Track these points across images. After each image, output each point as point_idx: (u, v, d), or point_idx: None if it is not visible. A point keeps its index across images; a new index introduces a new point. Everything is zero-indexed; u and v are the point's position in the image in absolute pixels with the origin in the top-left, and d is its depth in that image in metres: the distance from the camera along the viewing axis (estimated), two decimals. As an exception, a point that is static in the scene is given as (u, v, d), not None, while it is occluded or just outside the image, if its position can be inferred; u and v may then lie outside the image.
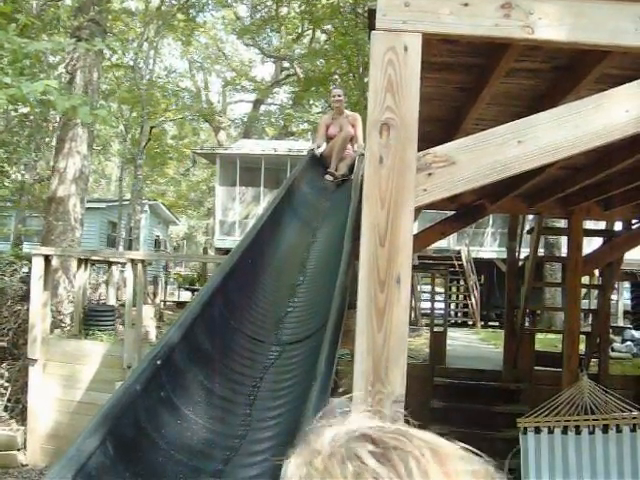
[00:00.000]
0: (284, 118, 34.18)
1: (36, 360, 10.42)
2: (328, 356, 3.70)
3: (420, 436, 0.80)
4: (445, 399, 10.28)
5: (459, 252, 23.50)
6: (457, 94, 4.92)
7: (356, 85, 21.86)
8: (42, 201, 16.75)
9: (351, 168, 9.49)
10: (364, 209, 2.83)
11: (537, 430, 7.30)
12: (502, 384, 10.57)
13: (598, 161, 6.47)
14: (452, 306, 22.65)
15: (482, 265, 23.71)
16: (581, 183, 7.35)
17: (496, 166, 2.87)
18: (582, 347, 10.10)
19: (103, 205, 26.21)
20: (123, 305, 12.13)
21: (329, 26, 24.72)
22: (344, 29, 21.79)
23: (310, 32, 29.27)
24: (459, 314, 23.50)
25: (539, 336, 12.82)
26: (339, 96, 10.13)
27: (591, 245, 12.03)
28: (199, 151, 28.84)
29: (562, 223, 13.48)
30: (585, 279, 11.29)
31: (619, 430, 7.23)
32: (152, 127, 27.16)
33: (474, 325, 21.71)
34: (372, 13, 2.93)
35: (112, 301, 13.47)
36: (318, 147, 9.91)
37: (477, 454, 0.81)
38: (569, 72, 4.12)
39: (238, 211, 24.54)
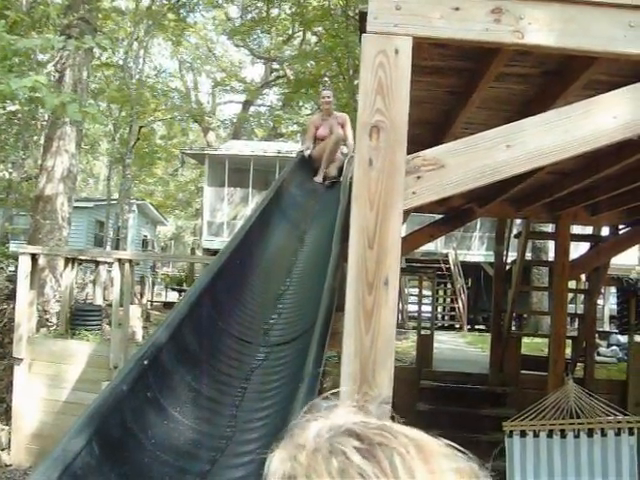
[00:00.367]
0: (273, 119, 34.18)
1: (22, 359, 10.37)
2: (316, 358, 3.70)
3: (405, 432, 0.81)
4: (432, 402, 10.29)
5: (447, 255, 23.55)
6: (447, 98, 4.93)
7: (346, 87, 21.87)
8: (29, 199, 16.67)
9: (340, 170, 9.50)
10: (353, 211, 2.83)
11: (523, 433, 7.32)
12: (488, 387, 10.60)
13: (586, 166, 6.50)
14: (439, 309, 22.68)
15: (469, 268, 23.77)
16: (569, 188, 7.38)
17: (485, 170, 2.88)
18: (568, 351, 10.14)
19: (91, 204, 26.10)
20: (110, 305, 12.10)
21: (320, 28, 24.74)
22: (335, 31, 21.81)
23: (300, 34, 29.26)
24: (446, 317, 23.54)
25: (525, 340, 12.85)
26: (328, 97, 10.14)
27: (578, 250, 12.07)
28: (188, 151, 28.79)
29: (549, 227, 13.56)
30: (572, 284, 11.34)
31: (604, 434, 7.26)
32: (141, 127, 27.06)
33: (461, 328, 21.74)
34: (363, 16, 2.94)
35: (99, 301, 13.43)
36: (307, 149, 9.91)
37: (462, 452, 0.81)
38: (558, 77, 4.14)
39: (226, 212, 24.52)
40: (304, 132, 17.33)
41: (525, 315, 17.32)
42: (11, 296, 11.49)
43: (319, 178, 9.53)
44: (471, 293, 23.82)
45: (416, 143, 3.23)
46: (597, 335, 12.72)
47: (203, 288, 4.86)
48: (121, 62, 24.19)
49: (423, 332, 12.28)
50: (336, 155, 9.73)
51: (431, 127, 5.70)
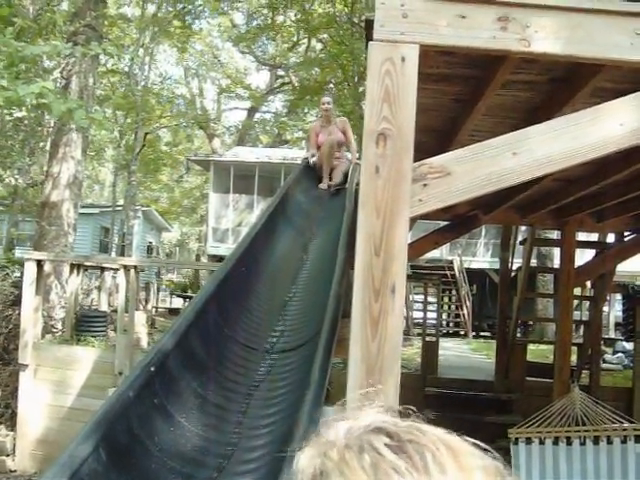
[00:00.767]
0: (278, 126, 34.21)
1: (27, 365, 10.37)
2: (322, 364, 3.70)
3: (433, 431, 0.83)
4: (437, 409, 10.16)
5: (452, 262, 23.53)
6: (453, 105, 4.93)
7: (351, 94, 21.89)
8: (35, 206, 16.69)
9: (345, 176, 9.49)
10: (360, 218, 2.84)
11: (528, 441, 7.29)
12: (494, 394, 10.58)
13: (591, 173, 6.50)
14: (444, 316, 22.65)
15: (474, 275, 23.74)
16: (574, 195, 7.38)
17: (491, 177, 2.89)
18: (574, 358, 10.12)
19: (96, 211, 26.15)
20: (115, 311, 12.10)
21: (325, 35, 24.76)
22: (340, 38, 21.82)
23: (306, 41, 29.32)
24: (451, 324, 23.51)
25: (531, 347, 12.83)
26: (328, 104, 10.14)
27: (583, 257, 12.05)
28: (193, 158, 28.82)
29: (555, 234, 13.55)
30: (577, 290, 11.32)
31: (610, 441, 7.23)
32: (146, 133, 27.13)
33: (466, 335, 21.72)
34: (370, 24, 2.95)
35: (104, 307, 13.44)
36: (312, 156, 9.92)
37: (487, 450, 0.82)
38: (565, 85, 4.14)
39: (231, 218, 24.53)
40: (308, 139, 17.38)
41: (530, 322, 17.31)
42: (16, 302, 11.50)
43: (324, 185, 9.53)
44: (476, 300, 23.78)
45: (422, 151, 3.23)
46: (603, 342, 12.70)
47: (209, 295, 4.86)
48: (127, 69, 24.26)
49: (428, 339, 12.26)
50: (335, 159, 9.71)
51: (437, 135, 5.71)
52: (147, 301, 20.45)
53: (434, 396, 10.53)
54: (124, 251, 24.06)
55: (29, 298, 10.49)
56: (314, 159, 9.87)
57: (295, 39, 29.79)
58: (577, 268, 9.38)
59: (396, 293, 2.79)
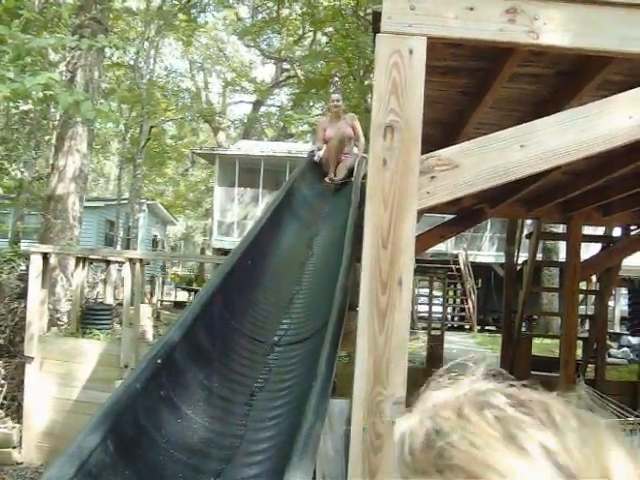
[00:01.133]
0: (284, 120, 34.16)
1: (33, 358, 10.40)
2: (328, 357, 3.70)
3: (544, 394, 0.78)
4: (442, 402, 10.26)
5: (457, 256, 23.51)
6: (460, 98, 4.92)
7: (356, 88, 21.84)
8: (41, 199, 16.71)
9: (351, 171, 9.48)
10: (367, 211, 2.84)
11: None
12: (499, 388, 10.56)
13: (598, 167, 6.48)
14: (449, 310, 22.65)
15: (480, 269, 23.71)
16: (581, 189, 7.36)
17: (499, 170, 2.88)
18: (579, 352, 10.11)
19: (101, 204, 26.17)
20: (120, 304, 12.11)
21: (330, 28, 24.70)
22: (345, 31, 21.77)
23: (311, 34, 29.25)
24: (456, 318, 23.51)
25: (536, 341, 12.82)
26: (337, 101, 10.15)
27: (589, 251, 12.03)
28: (198, 151, 28.83)
29: (560, 228, 13.53)
30: (583, 284, 11.30)
31: (615, 436, 7.22)
32: (152, 127, 27.14)
33: (471, 329, 21.71)
34: (377, 16, 2.94)
35: (109, 300, 13.46)
36: (319, 149, 9.91)
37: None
38: (572, 78, 4.13)
39: (236, 212, 24.54)
40: (314, 132, 17.32)
41: (535, 316, 17.28)
42: (22, 295, 11.52)
43: (329, 179, 9.53)
44: (481, 294, 23.77)
45: (429, 144, 3.23)
46: (608, 336, 12.68)
47: (215, 288, 4.87)
48: (132, 62, 24.25)
49: (433, 332, 12.27)
50: (343, 154, 9.71)
51: (444, 127, 5.70)
52: (152, 294, 20.48)
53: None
54: (129, 244, 24.08)
55: (35, 291, 10.51)
56: (320, 153, 9.86)
57: (300, 32, 29.73)
58: (583, 262, 9.37)
59: (403, 286, 2.80)
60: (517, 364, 10.83)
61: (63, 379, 10.37)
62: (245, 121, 36.32)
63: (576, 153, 2.90)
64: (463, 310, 23.08)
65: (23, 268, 12.67)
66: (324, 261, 6.71)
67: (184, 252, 45.04)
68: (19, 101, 10.27)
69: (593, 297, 12.72)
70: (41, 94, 7.62)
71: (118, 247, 24.20)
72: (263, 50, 32.53)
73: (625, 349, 14.81)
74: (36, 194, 18.43)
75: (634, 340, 14.43)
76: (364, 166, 8.94)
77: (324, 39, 27.91)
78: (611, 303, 16.64)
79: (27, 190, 17.92)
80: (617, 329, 18.37)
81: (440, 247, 19.57)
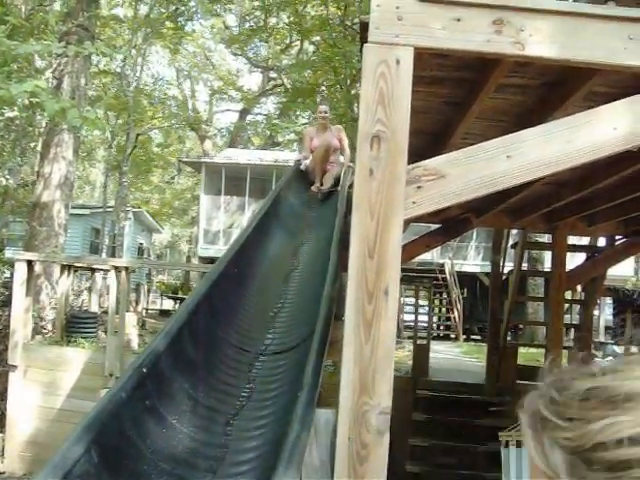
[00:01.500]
0: (270, 128, 34.18)
1: (16, 366, 10.32)
2: (314, 367, 3.69)
3: None
4: (427, 412, 10.28)
5: (443, 265, 23.58)
6: (446, 108, 4.95)
7: (343, 97, 21.90)
8: (26, 206, 16.64)
9: (337, 180, 9.50)
10: (354, 220, 2.84)
11: (519, 444, 7.30)
12: (484, 397, 10.58)
13: (583, 177, 6.52)
14: (435, 319, 22.69)
15: (465, 279, 23.78)
16: (565, 199, 7.40)
17: (485, 180, 2.89)
18: (564, 362, 10.13)
19: (87, 211, 26.08)
20: (106, 312, 12.06)
21: (317, 37, 24.79)
22: (332, 41, 21.84)
23: (298, 43, 29.33)
24: (442, 327, 23.56)
25: (521, 350, 12.86)
26: (325, 112, 10.18)
27: (574, 260, 12.09)
28: (185, 159, 28.82)
29: (546, 238, 13.58)
30: (568, 294, 11.34)
31: (600, 445, 7.24)
32: (138, 134, 27.11)
33: (457, 338, 21.76)
34: (365, 26, 2.95)
35: (95, 308, 13.38)
36: (305, 159, 9.93)
37: None
38: (558, 89, 4.16)
39: (222, 220, 24.51)
40: (301, 141, 17.30)
41: (521, 325, 17.35)
42: (6, 303, 11.46)
43: (315, 188, 9.54)
44: (467, 303, 23.83)
45: (415, 154, 3.24)
46: (593, 346, 12.73)
47: (202, 296, 4.85)
48: (119, 70, 24.22)
49: (419, 342, 12.27)
50: (329, 164, 9.73)
51: (430, 138, 5.72)
52: (138, 302, 20.40)
53: (425, 399, 10.53)
54: (115, 252, 24.01)
55: (19, 299, 10.45)
56: (307, 162, 9.88)
57: (288, 41, 29.82)
58: (568, 272, 9.41)
59: (389, 295, 2.80)
60: (503, 373, 10.85)
61: (47, 387, 10.30)
62: (232, 129, 36.35)
63: (562, 164, 2.92)
64: (449, 319, 23.14)
65: (7, 276, 12.61)
66: (310, 270, 6.71)
67: (170, 260, 44.93)
68: (4, 108, 10.22)
69: (578, 306, 12.78)
70: (27, 101, 7.60)
71: (103, 255, 24.10)
72: (250, 59, 32.58)
73: (610, 358, 14.87)
74: (21, 201, 18.35)
75: (619, 349, 14.50)
76: (350, 175, 8.97)
77: (311, 48, 28.01)
78: (596, 312, 16.72)
79: (12, 197, 17.84)
80: (602, 338, 18.46)
81: (426, 256, 19.61)
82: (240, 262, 5.96)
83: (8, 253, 15.96)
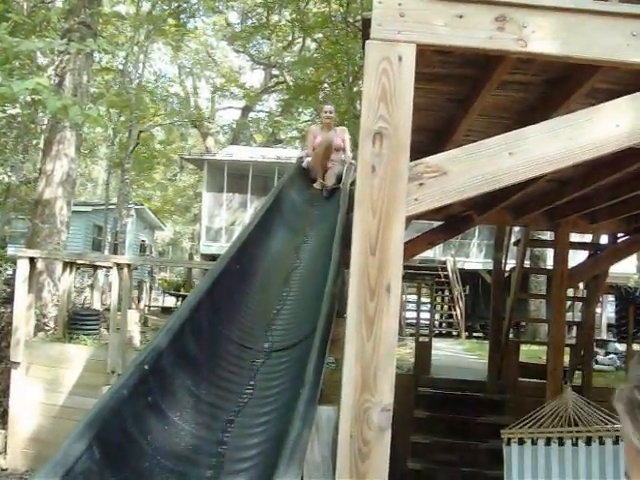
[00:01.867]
0: (272, 125, 34.19)
1: (19, 363, 10.34)
2: (316, 364, 3.70)
3: None
4: (429, 409, 10.28)
5: (445, 262, 23.58)
6: (449, 105, 4.94)
7: (345, 94, 21.89)
8: (28, 203, 16.65)
9: (339, 178, 9.52)
10: (356, 217, 2.83)
11: (521, 441, 7.30)
12: (486, 395, 10.58)
13: (585, 174, 6.51)
14: (437, 316, 22.68)
15: (467, 276, 23.78)
16: (568, 196, 7.39)
17: (487, 177, 2.89)
18: (566, 359, 10.13)
19: (89, 209, 26.11)
20: (108, 309, 12.07)
21: (320, 34, 24.77)
22: (335, 38, 21.83)
23: (300, 40, 29.32)
24: (444, 324, 23.54)
25: (523, 347, 12.85)
26: (330, 112, 10.25)
27: (576, 258, 12.08)
28: (187, 157, 28.81)
29: (548, 235, 13.57)
30: (570, 291, 11.33)
31: (602, 442, 7.23)
32: (140, 131, 27.09)
33: (459, 335, 21.75)
34: (367, 23, 2.95)
35: (97, 305, 13.40)
36: (307, 156, 9.96)
37: None
38: (560, 85, 4.15)
39: (225, 217, 24.52)
40: (303, 138, 17.31)
41: (523, 323, 17.32)
42: (9, 300, 11.47)
43: (318, 185, 9.56)
44: (469, 300, 23.82)
45: (418, 151, 3.23)
46: (595, 343, 12.72)
47: (204, 293, 4.86)
48: (121, 67, 24.22)
49: (421, 339, 12.27)
50: (330, 162, 9.75)
51: (433, 134, 5.71)
52: (140, 300, 20.43)
53: (427, 396, 10.53)
54: (117, 249, 24.01)
55: (21, 296, 10.46)
56: (309, 159, 9.90)
57: (290, 38, 29.80)
58: (570, 269, 9.39)
59: (392, 293, 2.79)
60: (505, 371, 10.85)
61: (49, 384, 10.31)
62: (234, 127, 36.34)
63: (564, 161, 2.91)
64: (451, 317, 23.13)
65: (10, 273, 12.62)
66: (312, 267, 6.71)
67: (172, 257, 44.94)
68: (7, 105, 10.22)
69: (580, 304, 12.76)
70: (29, 98, 7.60)
71: (106, 252, 24.14)
72: (252, 56, 32.57)
73: (612, 356, 14.86)
74: (23, 198, 18.37)
75: (621, 347, 14.48)
76: (352, 173, 8.98)
77: (313, 45, 27.99)
78: (598, 310, 16.70)
79: (14, 194, 17.85)
80: (604, 336, 18.44)
81: (428, 254, 19.65)
82: (242, 259, 5.96)
83: (10, 250, 15.98)
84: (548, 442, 7.31)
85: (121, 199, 24.21)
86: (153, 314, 19.87)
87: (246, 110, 35.77)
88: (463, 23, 2.87)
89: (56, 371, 10.37)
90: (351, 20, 20.92)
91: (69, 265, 11.59)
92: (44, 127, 16.24)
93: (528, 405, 8.00)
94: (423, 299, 15.24)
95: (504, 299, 11.37)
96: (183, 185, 40.93)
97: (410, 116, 2.83)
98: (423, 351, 11.64)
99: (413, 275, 17.35)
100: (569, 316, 13.47)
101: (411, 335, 16.15)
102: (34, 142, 18.86)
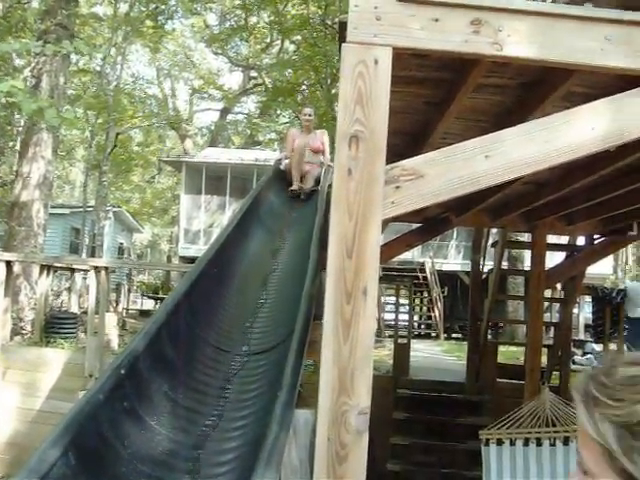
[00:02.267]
0: (251, 127, 34.14)
1: (-5, 367, 10.26)
2: (294, 367, 3.69)
3: None
4: (408, 410, 10.30)
5: (423, 264, 23.65)
6: (425, 108, 4.94)
7: (324, 96, 21.91)
8: (4, 206, 16.53)
9: (317, 180, 9.53)
10: (332, 220, 2.83)
11: (499, 442, 7.33)
12: (465, 396, 10.62)
13: (561, 177, 6.55)
14: (416, 318, 22.75)
15: (446, 277, 23.86)
16: (545, 198, 7.43)
17: (464, 180, 2.89)
18: (544, 360, 10.19)
19: (67, 211, 25.93)
20: (85, 313, 12.00)
21: (298, 37, 24.78)
22: (313, 40, 21.86)
23: (279, 42, 29.30)
24: (423, 326, 23.62)
25: (502, 348, 12.91)
26: (310, 115, 10.25)
27: (554, 259, 12.16)
28: (165, 159, 28.71)
29: (525, 237, 13.64)
30: (547, 292, 11.40)
31: (579, 442, 7.28)
32: (118, 133, 26.96)
33: (437, 337, 21.82)
34: (343, 26, 2.95)
35: (74, 308, 13.32)
36: (286, 158, 9.97)
37: None
38: (536, 89, 4.17)
39: (203, 220, 24.46)
40: (282, 141, 17.31)
41: (501, 324, 17.41)
42: (-15, 303, 11.36)
43: (295, 187, 9.56)
44: (447, 302, 23.91)
45: (394, 154, 3.23)
46: (572, 344, 12.81)
47: (181, 296, 4.84)
48: (98, 68, 24.08)
49: (400, 341, 12.30)
50: (309, 164, 9.76)
51: (409, 138, 5.71)
52: (118, 302, 20.33)
53: (406, 398, 10.56)
54: (95, 252, 23.86)
55: (-3, 299, 10.37)
56: (287, 161, 9.91)
57: (268, 40, 29.78)
58: (548, 270, 9.45)
59: (368, 295, 2.79)
60: (483, 372, 10.90)
61: (26, 389, 10.23)
62: (212, 128, 36.25)
63: (540, 163, 2.92)
64: (430, 318, 23.21)
65: (-14, 276, 12.48)
66: (290, 270, 6.71)
67: (150, 260, 44.76)
68: (-18, 107, 10.13)
69: (558, 305, 12.84)
70: (4, 100, 7.53)
71: (83, 254, 23.97)
72: (231, 58, 32.50)
73: (589, 356, 14.98)
74: (0, 201, 18.22)
75: (598, 347, 14.59)
76: (330, 175, 8.98)
77: (292, 47, 28.00)
78: (575, 311, 16.83)
79: (-10, 197, 17.70)
80: (581, 336, 18.58)
81: (406, 255, 19.66)
82: (220, 262, 5.95)
83: (-14, 253, 15.83)
84: (526, 442, 7.34)
85: (99, 201, 24.07)
86: (131, 317, 19.77)
87: (224, 112, 35.70)
88: (439, 27, 2.88)
89: (33, 375, 10.29)
90: (329, 22, 20.96)
91: (46, 268, 11.51)
92: (20, 129, 16.10)
93: (506, 406, 8.03)
94: (402, 300, 15.28)
95: (482, 300, 11.42)
96: (161, 187, 40.79)
97: (386, 119, 2.84)
98: (402, 353, 11.67)
99: (392, 277, 17.41)
100: (547, 317, 13.57)
101: (390, 337, 16.19)
102: (10, 144, 18.72)
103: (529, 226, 9.22)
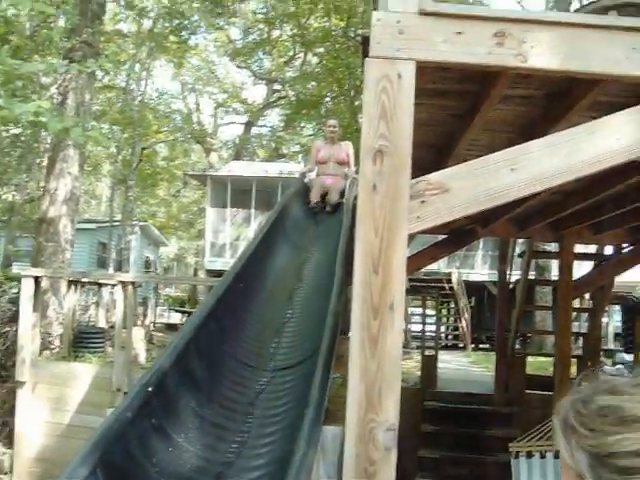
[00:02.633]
0: (275, 140, 34.24)
1: (24, 382, 10.31)
2: (321, 383, 3.68)
3: None
4: (436, 423, 10.23)
5: (450, 275, 23.51)
6: (450, 120, 4.93)
7: (347, 108, 21.94)
8: (32, 222, 16.69)
9: (342, 192, 9.51)
10: (357, 236, 2.82)
11: (529, 454, 7.25)
12: (493, 408, 10.53)
13: (589, 186, 6.49)
14: (443, 329, 22.62)
15: (473, 288, 23.72)
16: (571, 208, 7.37)
17: (490, 193, 2.87)
18: (573, 370, 10.09)
19: (93, 226, 26.13)
20: (113, 327, 12.05)
21: (321, 49, 24.83)
22: (335, 52, 21.89)
23: (302, 55, 29.39)
24: (450, 337, 23.48)
25: (530, 359, 12.80)
26: (334, 127, 10.23)
27: (581, 269, 12.04)
28: (190, 173, 28.89)
29: (552, 246, 13.54)
30: (576, 302, 11.29)
31: (611, 455, 7.18)
32: (143, 148, 27.18)
33: (465, 348, 21.68)
34: (366, 40, 2.94)
35: (102, 323, 13.40)
36: (310, 171, 9.97)
37: None
38: (561, 99, 4.14)
39: (229, 233, 24.53)
40: (306, 153, 17.33)
41: (529, 334, 17.27)
42: (14, 319, 11.45)
43: (315, 200, 9.49)
44: (474, 312, 23.76)
45: (419, 166, 3.22)
46: (602, 354, 12.67)
47: (208, 311, 4.84)
48: (123, 84, 24.31)
49: (427, 352, 12.23)
50: (334, 177, 9.74)
51: (434, 150, 5.70)
52: (145, 316, 20.40)
53: (433, 410, 10.49)
54: (121, 266, 24.03)
55: (26, 315, 10.45)
56: (311, 175, 9.91)
57: (291, 53, 29.88)
58: (575, 280, 9.37)
59: (395, 310, 2.78)
60: (511, 383, 10.81)
61: (55, 403, 10.28)
62: (237, 142, 36.37)
63: (566, 175, 2.90)
64: (457, 329, 23.07)
65: (14, 292, 12.60)
66: (316, 284, 6.69)
67: (177, 273, 44.94)
68: (10, 125, 10.26)
69: (586, 314, 12.71)
70: (31, 118, 7.63)
71: (110, 269, 24.14)
72: (254, 71, 32.62)
73: (619, 366, 14.78)
74: (27, 217, 18.41)
75: (628, 357, 14.41)
76: (355, 187, 8.96)
77: (314, 60, 28.05)
78: (604, 320, 16.65)
79: (18, 213, 17.89)
80: (611, 346, 18.37)
81: (433, 266, 19.56)
82: (246, 276, 5.95)
83: (15, 269, 15.98)
84: (557, 455, 7.23)
85: (125, 216, 24.26)
86: (158, 330, 19.83)
87: (249, 125, 35.82)
88: (462, 39, 2.87)
89: (61, 390, 10.34)
90: (352, 34, 20.99)
91: (74, 283, 11.59)
92: (47, 146, 16.28)
93: (536, 417, 7.95)
94: (428, 312, 15.21)
95: (509, 311, 11.34)
96: (187, 201, 40.96)
97: (411, 134, 2.83)
98: (429, 364, 11.61)
99: (418, 288, 17.33)
100: (575, 327, 13.43)
101: (417, 348, 16.10)
102: (38, 161, 18.91)
103: (556, 236, 9.14)
